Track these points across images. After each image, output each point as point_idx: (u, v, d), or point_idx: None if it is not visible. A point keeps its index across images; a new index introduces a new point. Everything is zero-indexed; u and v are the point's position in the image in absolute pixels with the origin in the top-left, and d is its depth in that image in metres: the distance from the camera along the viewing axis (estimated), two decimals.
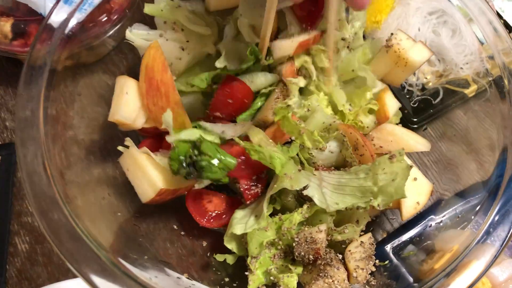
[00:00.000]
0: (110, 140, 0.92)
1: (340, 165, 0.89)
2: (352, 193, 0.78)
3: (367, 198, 0.77)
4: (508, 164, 0.74)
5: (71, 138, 0.90)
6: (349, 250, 0.79)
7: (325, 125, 0.87)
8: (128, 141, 0.81)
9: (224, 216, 0.85)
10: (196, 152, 0.76)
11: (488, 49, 0.88)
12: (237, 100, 0.86)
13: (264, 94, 0.89)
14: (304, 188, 0.77)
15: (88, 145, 0.92)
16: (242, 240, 0.82)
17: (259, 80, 0.88)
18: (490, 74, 0.88)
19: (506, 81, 0.83)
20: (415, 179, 0.87)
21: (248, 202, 0.83)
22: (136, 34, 0.90)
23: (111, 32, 1.02)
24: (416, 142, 0.91)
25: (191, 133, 0.79)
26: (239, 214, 0.82)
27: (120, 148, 0.81)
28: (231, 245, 0.83)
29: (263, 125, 0.88)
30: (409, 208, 0.86)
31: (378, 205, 0.76)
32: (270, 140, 0.84)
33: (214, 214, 0.85)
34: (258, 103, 0.89)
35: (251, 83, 0.87)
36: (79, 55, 1.05)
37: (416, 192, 0.86)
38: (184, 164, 0.76)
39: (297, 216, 0.78)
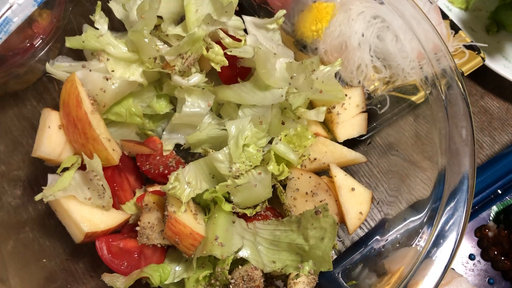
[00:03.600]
0: (43, 174, 0.86)
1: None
2: (287, 249, 0.76)
3: (299, 260, 0.75)
4: (446, 185, 0.71)
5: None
6: (292, 279, 0.75)
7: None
8: (48, 189, 0.75)
9: (138, 259, 0.80)
10: None
11: (425, 56, 0.84)
12: None
13: None
14: (238, 250, 0.74)
15: (17, 182, 0.87)
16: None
17: None
18: (429, 81, 0.84)
19: (442, 88, 0.80)
20: (352, 189, 0.83)
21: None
22: (58, 67, 0.84)
23: (39, 56, 0.96)
24: (350, 151, 0.88)
25: None
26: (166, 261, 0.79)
27: (37, 197, 0.75)
28: None
29: None
30: (353, 220, 0.83)
31: (309, 272, 0.74)
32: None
33: (127, 262, 0.79)
34: None
35: None
36: (6, 85, 0.98)
37: (357, 202, 0.83)
38: None
39: (230, 257, 0.74)
